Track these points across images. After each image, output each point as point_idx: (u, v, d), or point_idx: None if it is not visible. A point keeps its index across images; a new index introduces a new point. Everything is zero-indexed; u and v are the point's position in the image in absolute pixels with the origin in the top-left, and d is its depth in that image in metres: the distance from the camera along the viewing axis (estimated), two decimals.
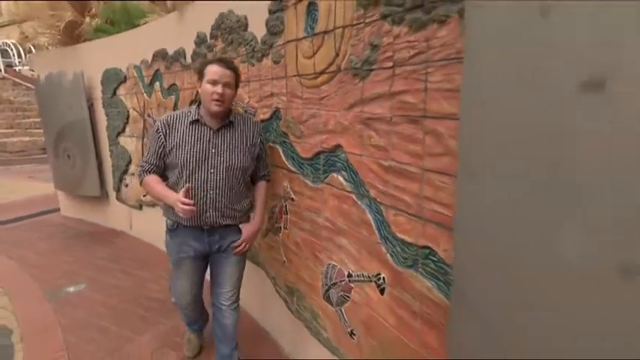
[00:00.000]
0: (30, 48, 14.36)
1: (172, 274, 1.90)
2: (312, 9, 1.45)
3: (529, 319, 0.70)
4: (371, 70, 1.20)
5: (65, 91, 4.22)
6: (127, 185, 4.14)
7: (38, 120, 12.35)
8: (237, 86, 1.71)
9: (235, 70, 1.67)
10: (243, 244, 1.80)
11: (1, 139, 11.65)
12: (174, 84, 3.01)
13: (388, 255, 1.24)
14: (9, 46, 18.37)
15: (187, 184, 1.56)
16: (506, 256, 0.73)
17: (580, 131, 0.58)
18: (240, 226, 1.81)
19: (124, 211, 4.28)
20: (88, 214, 4.87)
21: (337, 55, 1.35)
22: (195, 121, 1.67)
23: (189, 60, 2.76)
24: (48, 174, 5.74)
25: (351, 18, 1.25)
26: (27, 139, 11.89)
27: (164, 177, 1.76)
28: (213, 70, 1.60)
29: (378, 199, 1.25)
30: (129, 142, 3.93)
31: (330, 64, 1.39)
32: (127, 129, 3.90)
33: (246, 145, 1.73)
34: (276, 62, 1.77)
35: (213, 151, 1.66)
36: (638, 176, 0.52)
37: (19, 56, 18.11)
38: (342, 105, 1.36)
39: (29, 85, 15.12)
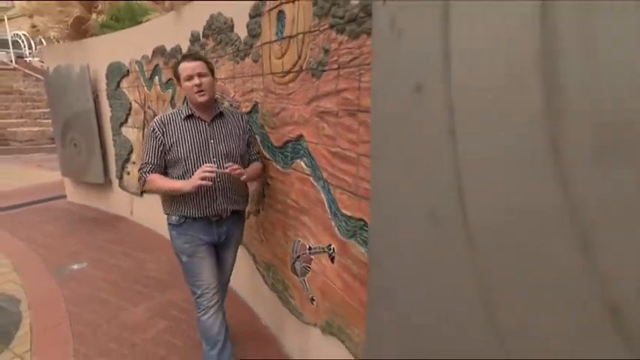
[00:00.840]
0: (40, 40, 14.73)
1: (188, 267, 1.81)
2: (281, 16, 1.67)
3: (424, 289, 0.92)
4: (323, 71, 1.42)
5: (73, 83, 4.47)
6: (128, 173, 4.39)
7: (47, 110, 12.69)
8: (212, 72, 1.76)
9: (203, 59, 1.74)
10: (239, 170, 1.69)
11: (11, 128, 11.99)
12: (171, 78, 3.24)
13: (336, 228, 1.46)
14: (20, 37, 18.70)
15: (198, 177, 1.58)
16: (408, 223, 0.95)
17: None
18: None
19: (126, 197, 4.55)
20: (92, 201, 5.14)
21: (299, 57, 1.57)
22: (190, 116, 1.73)
23: None
24: (55, 163, 6.02)
25: (310, 26, 1.47)
26: (36, 129, 12.21)
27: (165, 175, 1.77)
28: (184, 67, 1.70)
29: (328, 181, 1.48)
30: (131, 133, 4.18)
31: (295, 65, 1.61)
32: (129, 120, 4.16)
33: (238, 133, 1.81)
34: (255, 61, 1.99)
35: (212, 141, 1.73)
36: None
37: (30, 47, 18.45)
38: (304, 100, 1.59)
39: (39, 76, 15.46)
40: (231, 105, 2.36)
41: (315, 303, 1.72)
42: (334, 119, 1.39)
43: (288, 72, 1.67)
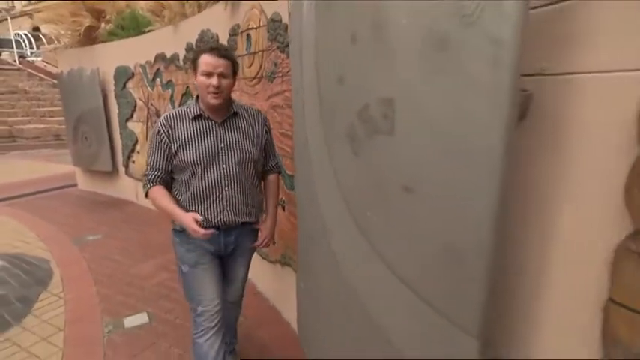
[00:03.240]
0: (41, 39, 15.28)
1: (189, 279, 1.67)
2: (249, 37, 2.33)
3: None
4: (274, 78, 2.09)
5: (84, 84, 5.14)
6: (134, 162, 5.06)
7: (52, 109, 13.41)
8: (234, 74, 1.58)
9: (230, 58, 1.55)
10: (265, 242, 1.76)
11: (18, 126, 12.63)
12: (170, 80, 3.91)
13: (285, 186, 2.13)
14: (21, 37, 19.21)
15: (198, 216, 1.49)
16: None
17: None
18: (259, 225, 1.76)
19: (132, 183, 5.21)
20: (101, 188, 5.81)
21: (261, 67, 2.24)
22: (198, 117, 1.56)
23: (181, 62, 3.66)
24: (63, 157, 6.66)
25: (266, 46, 2.14)
26: (42, 126, 12.84)
27: (171, 183, 1.64)
28: (205, 61, 1.49)
29: (280, 153, 2.14)
30: (136, 127, 4.85)
31: (258, 73, 2.28)
32: (135, 115, 4.82)
33: (254, 136, 1.65)
34: None
35: (222, 145, 1.57)
36: None
37: (31, 47, 18.95)
38: (264, 97, 2.25)
39: (43, 75, 16.09)
40: None
41: (276, 244, 2.39)
42: (280, 110, 2.06)
43: (254, 77, 2.34)
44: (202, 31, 3.14)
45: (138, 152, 4.91)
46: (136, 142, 4.90)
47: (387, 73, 0.86)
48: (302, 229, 1.49)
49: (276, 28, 1.98)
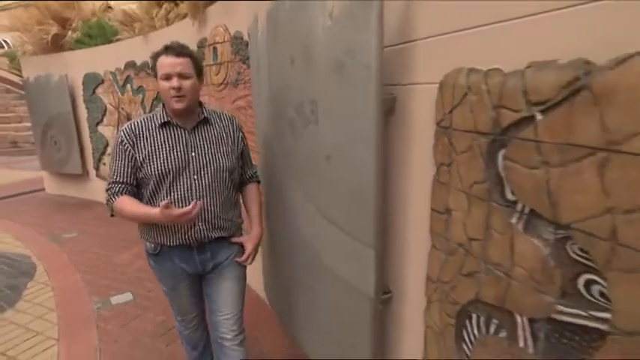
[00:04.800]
0: None
1: (169, 297, 1.67)
2: (215, 50, 2.75)
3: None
4: (238, 84, 2.51)
5: (52, 90, 5.32)
6: (104, 164, 5.29)
7: (7, 115, 13.01)
8: (199, 73, 1.47)
9: (188, 54, 1.44)
10: (249, 259, 1.62)
11: None
12: (141, 86, 4.23)
13: None
14: None
15: (166, 201, 1.31)
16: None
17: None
18: (241, 239, 1.63)
19: (103, 185, 5.42)
20: (70, 190, 5.97)
21: (226, 75, 2.65)
22: (166, 124, 1.45)
23: (152, 70, 3.98)
24: (24, 164, 6.66)
25: (230, 58, 2.56)
26: None
27: (138, 196, 1.50)
28: (162, 63, 1.41)
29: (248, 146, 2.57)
30: (106, 130, 5.10)
31: (224, 80, 2.70)
32: (105, 120, 5.07)
33: (228, 143, 1.54)
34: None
35: (193, 154, 1.46)
36: None
37: None
38: (230, 101, 2.67)
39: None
40: None
41: None
42: (244, 111, 2.49)
43: (221, 84, 2.75)
44: (172, 42, 3.50)
45: (109, 154, 5.15)
46: (107, 144, 5.14)
47: (311, 83, 1.33)
48: (265, 201, 1.93)
49: (239, 44, 2.41)
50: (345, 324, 1.38)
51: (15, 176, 7.77)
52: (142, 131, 1.44)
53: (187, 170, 1.45)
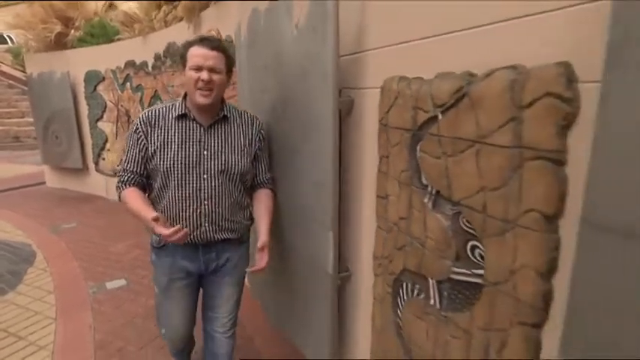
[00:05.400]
0: None
1: (159, 301, 1.63)
2: None
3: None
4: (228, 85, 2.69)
5: (54, 86, 5.50)
6: (104, 159, 5.47)
7: (9, 110, 13.21)
8: (229, 71, 1.44)
9: (223, 51, 1.40)
10: (260, 270, 1.49)
11: None
12: (140, 84, 4.42)
13: None
14: None
15: (157, 214, 1.28)
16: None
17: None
18: (257, 263, 1.48)
19: (102, 179, 5.61)
20: (70, 184, 6.15)
21: None
22: (182, 116, 1.40)
23: (150, 69, 4.17)
24: (26, 158, 6.82)
25: None
26: (0, 128, 12.66)
27: (147, 187, 1.49)
28: (194, 53, 1.34)
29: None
30: (106, 126, 5.28)
31: None
32: (105, 116, 5.25)
33: (244, 144, 1.48)
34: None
35: (206, 153, 1.41)
36: None
37: None
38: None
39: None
40: None
41: None
42: None
43: None
44: (169, 43, 3.69)
45: (108, 150, 5.33)
46: (106, 140, 5.33)
47: (281, 84, 1.51)
48: None
49: (230, 48, 2.59)
50: (309, 298, 1.56)
51: (17, 170, 7.95)
52: (158, 120, 1.41)
53: (198, 169, 1.40)
